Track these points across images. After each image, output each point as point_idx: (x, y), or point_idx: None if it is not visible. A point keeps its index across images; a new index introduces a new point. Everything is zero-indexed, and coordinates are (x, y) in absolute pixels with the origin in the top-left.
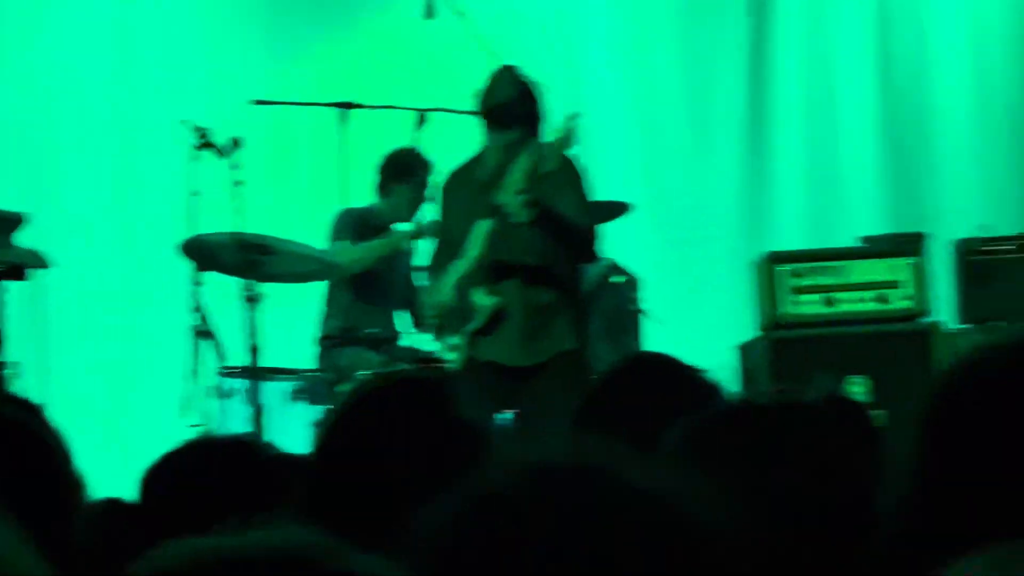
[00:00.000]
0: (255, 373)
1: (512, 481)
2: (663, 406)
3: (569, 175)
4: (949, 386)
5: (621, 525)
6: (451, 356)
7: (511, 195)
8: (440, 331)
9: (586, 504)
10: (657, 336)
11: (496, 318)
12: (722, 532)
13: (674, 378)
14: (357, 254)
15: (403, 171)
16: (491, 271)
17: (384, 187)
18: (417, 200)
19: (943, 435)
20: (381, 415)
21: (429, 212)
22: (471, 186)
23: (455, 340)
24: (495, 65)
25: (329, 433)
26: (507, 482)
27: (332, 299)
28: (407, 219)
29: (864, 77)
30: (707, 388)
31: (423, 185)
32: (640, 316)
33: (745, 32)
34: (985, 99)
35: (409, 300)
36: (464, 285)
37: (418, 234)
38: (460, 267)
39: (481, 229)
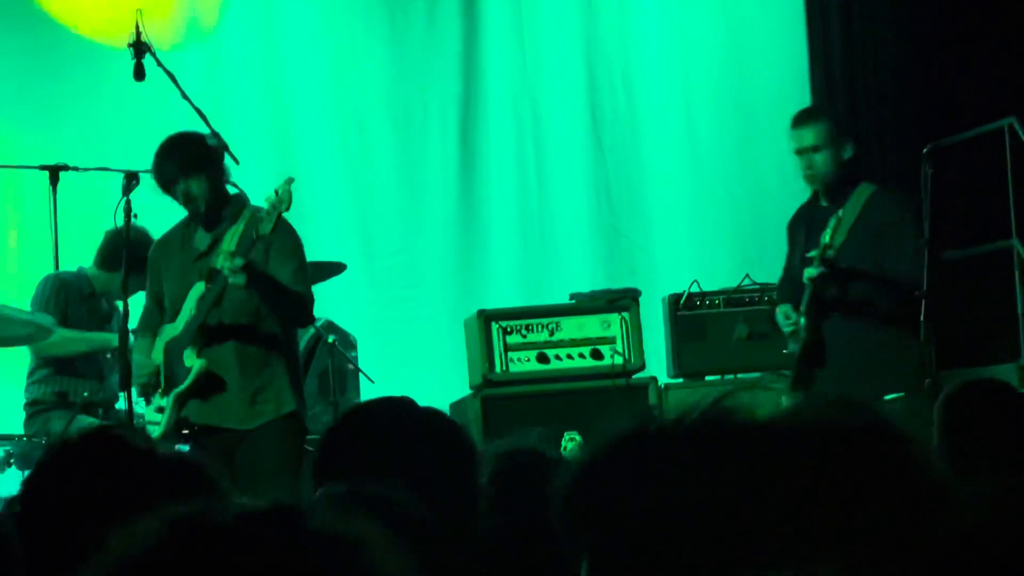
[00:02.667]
0: None
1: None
2: (407, 445)
3: (283, 240)
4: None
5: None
6: (157, 417)
7: (225, 258)
8: (147, 392)
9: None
10: (372, 395)
11: (206, 380)
12: None
13: (415, 420)
14: (64, 340)
15: (130, 256)
16: (204, 333)
17: (108, 262)
18: (139, 284)
19: None
20: (73, 471)
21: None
22: (186, 250)
23: (162, 402)
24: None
25: (26, 496)
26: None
27: (39, 364)
28: (122, 297)
29: (575, 135)
30: (451, 430)
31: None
32: (355, 374)
33: (456, 90)
34: (696, 156)
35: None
36: (175, 347)
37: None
38: (172, 329)
39: (196, 292)
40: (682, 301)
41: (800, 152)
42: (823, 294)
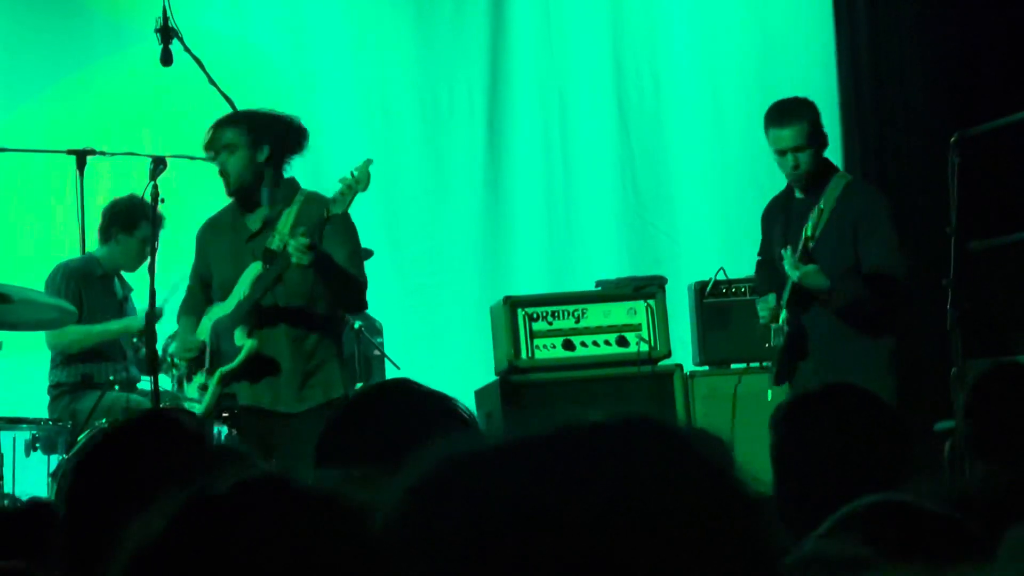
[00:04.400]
0: None
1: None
2: (407, 430)
3: (338, 223)
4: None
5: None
6: (198, 395)
7: (282, 238)
8: (191, 370)
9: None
10: None
11: (256, 361)
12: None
13: (418, 402)
14: (81, 336)
15: (126, 220)
16: (257, 314)
17: (107, 235)
18: (142, 250)
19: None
20: (127, 454)
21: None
22: (238, 231)
23: (204, 380)
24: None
25: (75, 478)
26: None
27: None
28: (131, 268)
29: (600, 122)
30: (452, 411)
31: (147, 234)
32: (381, 360)
33: (483, 77)
34: (722, 144)
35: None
36: (224, 326)
37: (155, 317)
38: (222, 309)
39: (251, 272)
40: (708, 288)
41: (783, 152)
42: (802, 286)
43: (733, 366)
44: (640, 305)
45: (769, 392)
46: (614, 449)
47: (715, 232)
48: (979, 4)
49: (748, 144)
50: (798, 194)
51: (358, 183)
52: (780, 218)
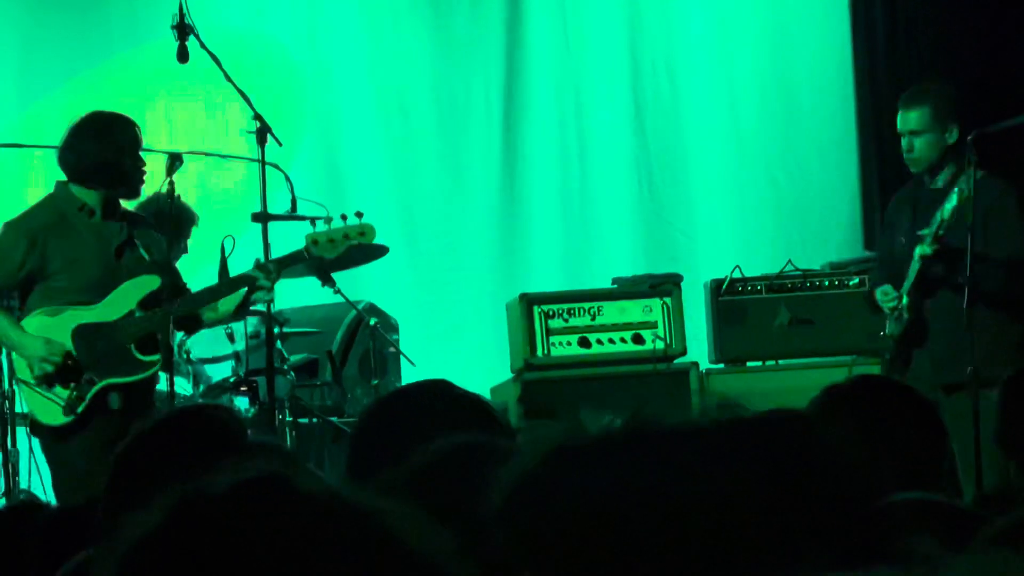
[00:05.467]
0: (6, 418)
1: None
2: (441, 431)
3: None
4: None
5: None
6: (63, 402)
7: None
8: (51, 378)
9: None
10: (413, 378)
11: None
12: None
13: (454, 404)
14: None
15: (176, 227)
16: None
17: None
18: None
19: None
20: (170, 447)
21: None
22: (99, 234)
23: (77, 389)
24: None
25: (119, 468)
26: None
27: None
28: None
29: (617, 119)
30: (488, 414)
31: (188, 239)
32: (396, 357)
33: (499, 74)
34: (739, 142)
35: None
36: (98, 334)
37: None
38: (91, 315)
39: (144, 286)
40: (724, 286)
41: (901, 135)
42: (929, 273)
43: (749, 364)
44: (656, 303)
45: None
46: (732, 444)
47: (731, 230)
48: (997, 0)
49: (764, 142)
50: (929, 184)
51: (362, 235)
52: (908, 208)
